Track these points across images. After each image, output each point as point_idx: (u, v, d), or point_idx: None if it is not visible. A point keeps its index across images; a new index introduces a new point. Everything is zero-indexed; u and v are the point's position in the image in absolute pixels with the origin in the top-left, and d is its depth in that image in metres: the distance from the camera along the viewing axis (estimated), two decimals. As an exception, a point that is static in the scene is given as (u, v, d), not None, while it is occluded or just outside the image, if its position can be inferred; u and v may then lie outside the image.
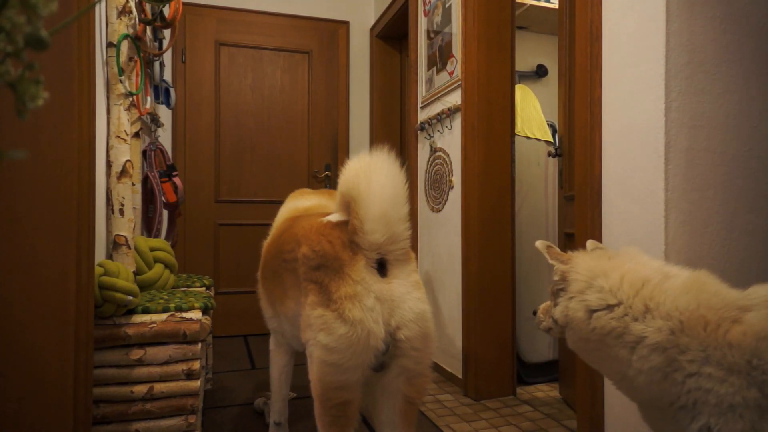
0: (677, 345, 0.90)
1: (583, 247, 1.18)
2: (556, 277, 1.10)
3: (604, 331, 0.98)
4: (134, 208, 1.89)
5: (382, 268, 1.19)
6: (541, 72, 2.91)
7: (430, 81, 2.80)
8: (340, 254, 1.19)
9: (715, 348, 0.86)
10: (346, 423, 1.17)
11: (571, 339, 1.07)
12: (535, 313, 1.19)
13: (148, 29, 2.20)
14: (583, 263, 1.05)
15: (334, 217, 1.30)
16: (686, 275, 0.99)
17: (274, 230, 1.72)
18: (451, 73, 2.56)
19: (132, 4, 1.86)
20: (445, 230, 2.63)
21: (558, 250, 1.13)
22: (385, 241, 1.17)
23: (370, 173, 1.18)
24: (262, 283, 1.68)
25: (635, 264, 1.02)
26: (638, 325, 0.94)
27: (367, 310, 1.13)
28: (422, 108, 2.91)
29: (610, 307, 0.98)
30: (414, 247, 2.99)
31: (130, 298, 1.49)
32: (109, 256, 1.74)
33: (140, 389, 1.49)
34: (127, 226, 1.74)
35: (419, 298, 1.20)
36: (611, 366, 1.01)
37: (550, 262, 1.11)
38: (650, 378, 0.93)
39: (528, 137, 2.70)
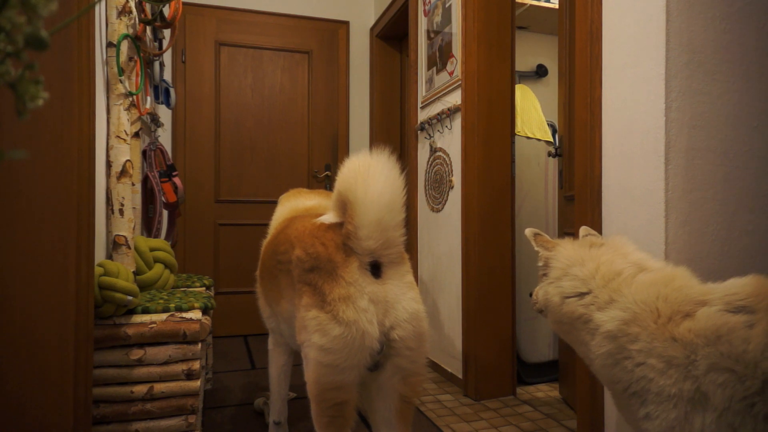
0: (628, 335, 0.96)
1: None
2: (540, 263, 1.17)
3: (573, 316, 1.06)
4: (134, 208, 1.89)
5: (375, 269, 1.19)
6: (541, 72, 2.91)
7: (430, 81, 2.80)
8: (334, 256, 1.19)
9: (660, 340, 0.92)
10: (344, 423, 1.17)
11: (550, 320, 1.15)
12: (531, 295, 1.23)
13: (148, 29, 2.20)
14: (564, 251, 1.12)
15: (328, 218, 1.30)
16: (660, 270, 1.03)
17: (272, 230, 1.72)
18: (451, 73, 2.56)
19: (132, 4, 1.86)
20: (445, 230, 2.63)
21: (546, 237, 1.19)
22: (379, 246, 1.17)
23: (369, 177, 1.17)
24: (259, 282, 1.68)
25: (614, 255, 1.07)
26: (599, 314, 1.01)
27: (361, 311, 1.13)
28: (422, 108, 2.91)
29: (580, 295, 1.05)
30: (414, 247, 2.99)
31: (130, 298, 1.49)
32: (109, 256, 1.74)
33: (140, 389, 1.49)
34: (127, 226, 1.74)
35: (413, 298, 1.21)
36: (580, 348, 1.09)
37: (536, 248, 1.18)
38: (603, 362, 1.00)
39: (528, 137, 2.70)
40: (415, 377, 1.21)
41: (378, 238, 1.17)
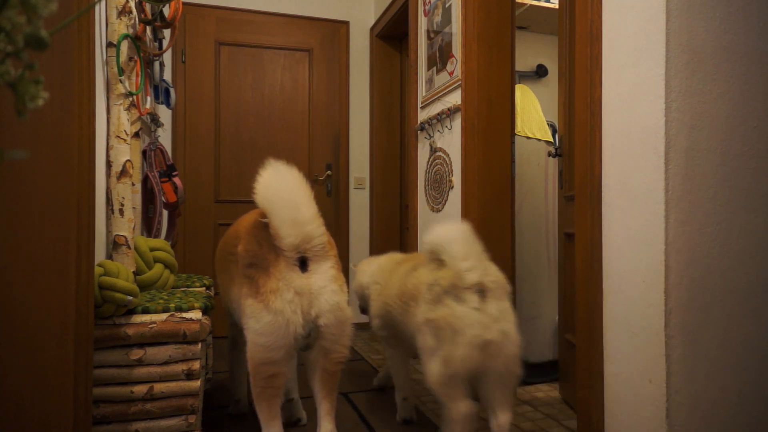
0: (364, 296, 2.19)
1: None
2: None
3: (360, 293, 2.21)
4: (134, 208, 1.89)
5: (303, 264, 1.43)
6: (541, 72, 2.91)
7: (430, 81, 2.80)
8: (267, 255, 1.42)
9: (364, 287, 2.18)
10: (273, 393, 1.42)
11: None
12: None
13: (148, 29, 2.20)
14: (362, 266, 2.28)
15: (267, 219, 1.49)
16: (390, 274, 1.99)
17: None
18: (451, 73, 2.56)
19: (132, 4, 1.86)
20: (445, 230, 2.63)
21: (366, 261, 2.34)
22: (300, 242, 1.40)
23: (272, 187, 1.44)
24: (216, 269, 1.91)
25: (381, 267, 2.12)
26: (365, 290, 2.18)
27: (287, 302, 1.37)
28: (422, 108, 2.91)
29: (362, 286, 2.19)
30: (414, 247, 2.99)
31: (130, 298, 1.49)
32: (109, 256, 1.74)
33: (140, 389, 1.49)
34: (127, 226, 1.74)
35: (334, 290, 1.44)
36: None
37: (352, 267, 2.32)
38: (359, 303, 2.24)
39: (528, 137, 2.70)
40: (335, 354, 1.47)
41: (297, 234, 1.39)
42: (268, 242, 1.43)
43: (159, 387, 1.50)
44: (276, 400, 1.43)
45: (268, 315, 1.36)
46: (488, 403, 1.55)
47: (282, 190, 1.43)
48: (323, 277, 1.43)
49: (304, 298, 1.39)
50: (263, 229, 1.46)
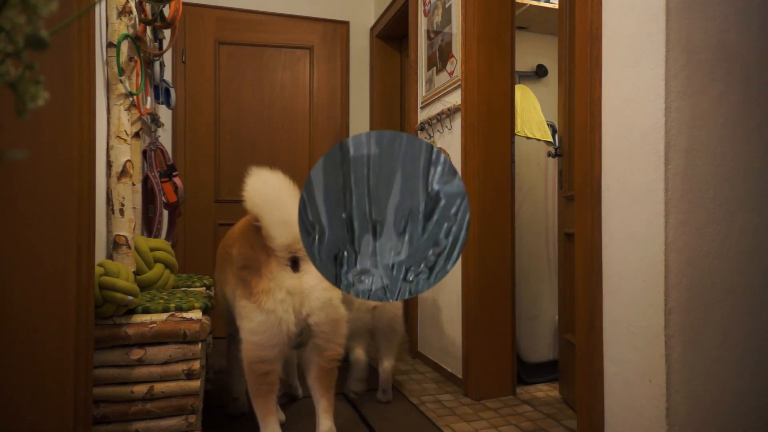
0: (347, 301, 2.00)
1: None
2: None
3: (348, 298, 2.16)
4: (134, 208, 1.89)
5: (295, 264, 1.47)
6: (541, 72, 2.91)
7: (430, 81, 2.80)
8: (259, 257, 1.47)
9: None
10: (268, 390, 1.46)
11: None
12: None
13: (148, 29, 2.21)
14: None
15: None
16: None
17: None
18: (451, 73, 2.56)
19: (132, 4, 1.86)
20: (445, 230, 2.63)
21: None
22: (291, 241, 1.44)
23: (259, 191, 1.47)
24: (216, 265, 1.97)
25: None
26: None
27: (279, 302, 1.41)
28: (422, 108, 2.91)
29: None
30: (414, 247, 2.99)
31: (131, 298, 1.49)
32: (109, 256, 1.74)
33: (140, 389, 1.49)
34: (127, 226, 1.74)
35: (325, 287, 1.47)
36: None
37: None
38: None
39: (528, 137, 2.70)
40: (329, 351, 1.50)
41: (288, 235, 1.43)
42: (260, 244, 1.47)
43: (159, 387, 1.50)
44: (271, 395, 1.46)
45: (261, 314, 1.41)
46: (378, 354, 2.22)
47: (269, 193, 1.47)
48: (315, 276, 1.46)
49: (295, 297, 1.43)
50: (256, 231, 1.50)
